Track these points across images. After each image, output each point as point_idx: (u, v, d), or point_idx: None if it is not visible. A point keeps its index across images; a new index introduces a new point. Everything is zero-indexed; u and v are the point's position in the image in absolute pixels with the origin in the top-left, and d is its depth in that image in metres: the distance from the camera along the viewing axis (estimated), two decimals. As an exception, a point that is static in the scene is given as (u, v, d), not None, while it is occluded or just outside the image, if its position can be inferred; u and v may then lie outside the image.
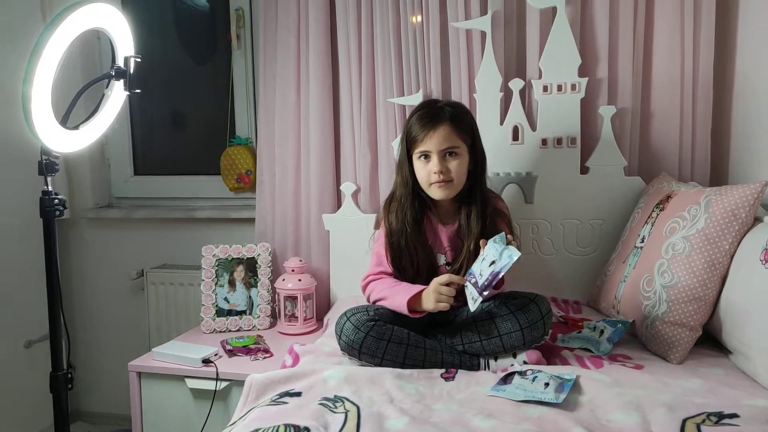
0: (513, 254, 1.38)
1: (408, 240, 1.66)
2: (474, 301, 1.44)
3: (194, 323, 2.35)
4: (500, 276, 1.39)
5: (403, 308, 1.53)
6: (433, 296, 1.49)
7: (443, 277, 1.50)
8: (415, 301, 1.53)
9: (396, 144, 2.12)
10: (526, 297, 1.53)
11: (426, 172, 1.64)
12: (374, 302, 1.64)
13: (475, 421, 1.18)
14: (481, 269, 1.44)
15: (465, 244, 1.66)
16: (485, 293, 1.41)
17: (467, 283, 1.47)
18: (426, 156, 1.64)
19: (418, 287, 1.55)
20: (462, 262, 1.63)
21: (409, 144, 1.67)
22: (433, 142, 1.61)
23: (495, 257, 1.42)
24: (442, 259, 1.72)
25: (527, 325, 1.48)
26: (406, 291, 1.55)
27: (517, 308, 1.50)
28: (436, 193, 1.65)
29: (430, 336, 1.59)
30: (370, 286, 1.69)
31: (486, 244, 1.47)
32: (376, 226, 1.80)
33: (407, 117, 1.74)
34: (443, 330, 1.60)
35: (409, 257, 1.66)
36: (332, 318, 1.92)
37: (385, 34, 2.17)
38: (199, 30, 2.77)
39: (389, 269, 1.68)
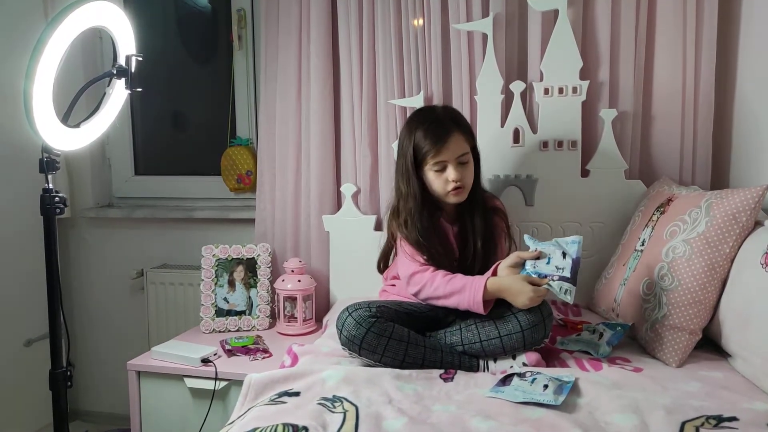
0: (576, 238, 1.47)
1: (433, 243, 1.66)
2: (567, 292, 1.44)
3: (193, 323, 2.35)
4: (579, 259, 1.45)
5: (474, 306, 1.52)
6: (525, 298, 1.47)
7: (510, 258, 1.53)
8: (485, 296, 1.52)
9: (396, 146, 2.13)
10: None
11: (441, 181, 1.66)
12: (426, 299, 1.62)
13: (473, 422, 1.17)
14: (556, 265, 1.46)
15: (471, 242, 1.70)
16: (576, 281, 1.45)
17: (550, 283, 1.46)
18: (442, 168, 1.65)
19: (479, 284, 1.52)
20: (471, 260, 1.67)
21: (419, 157, 1.66)
22: (449, 152, 1.64)
23: (558, 249, 1.47)
24: None
25: (528, 326, 1.48)
26: (470, 289, 1.53)
27: (518, 310, 1.50)
28: (453, 199, 1.68)
29: (430, 336, 1.59)
30: (418, 278, 1.64)
31: (531, 250, 1.51)
32: (390, 229, 1.81)
33: (407, 130, 1.71)
34: (444, 330, 1.60)
35: (442, 254, 1.67)
36: (331, 319, 1.92)
37: (387, 35, 2.17)
38: (201, 30, 2.77)
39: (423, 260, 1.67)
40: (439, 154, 1.63)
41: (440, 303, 1.60)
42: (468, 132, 1.71)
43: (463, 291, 1.54)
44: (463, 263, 1.70)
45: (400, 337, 1.49)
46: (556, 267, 1.46)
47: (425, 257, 1.65)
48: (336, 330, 1.52)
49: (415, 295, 1.65)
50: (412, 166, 1.67)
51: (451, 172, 1.64)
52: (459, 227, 1.75)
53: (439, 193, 1.68)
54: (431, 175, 1.67)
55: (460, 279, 1.58)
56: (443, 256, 1.67)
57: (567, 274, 1.45)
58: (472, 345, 1.52)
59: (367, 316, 1.49)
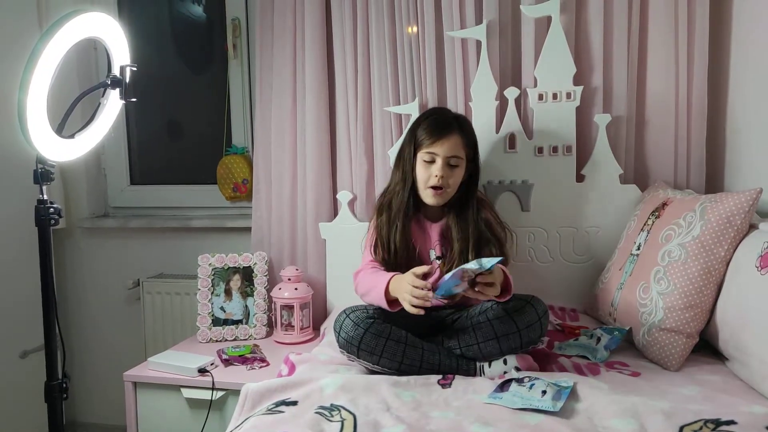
0: (493, 259, 1.40)
1: (394, 232, 1.71)
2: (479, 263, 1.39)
3: (190, 333, 2.34)
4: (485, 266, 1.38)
5: (382, 302, 1.55)
6: (406, 297, 1.47)
7: (417, 271, 1.50)
8: (388, 292, 1.55)
9: (392, 152, 2.13)
10: (522, 299, 1.55)
11: (427, 173, 1.70)
12: (362, 298, 1.67)
13: (472, 429, 1.17)
14: (463, 268, 1.41)
15: (453, 247, 1.71)
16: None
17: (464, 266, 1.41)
18: (431, 159, 1.69)
19: (387, 276, 1.57)
20: (452, 265, 1.66)
21: (416, 145, 1.72)
22: (442, 147, 1.69)
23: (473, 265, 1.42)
24: (432, 254, 1.77)
25: (524, 326, 1.49)
26: (380, 284, 1.57)
27: (513, 310, 1.51)
28: (429, 198, 1.72)
29: (428, 339, 1.59)
30: (357, 279, 1.72)
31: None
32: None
33: (414, 123, 1.79)
34: (441, 333, 1.61)
35: (395, 248, 1.71)
36: (329, 327, 1.92)
37: (381, 43, 2.18)
38: (196, 39, 2.77)
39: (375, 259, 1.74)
40: (432, 146, 1.69)
41: (368, 300, 1.63)
42: (469, 140, 1.74)
43: (374, 288, 1.59)
44: (446, 260, 1.73)
45: (398, 338, 1.49)
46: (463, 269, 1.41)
47: (375, 257, 1.72)
48: (334, 333, 1.53)
49: (358, 294, 1.69)
50: (409, 154, 1.74)
51: (437, 167, 1.68)
52: (445, 225, 1.76)
53: (421, 184, 1.72)
54: (420, 165, 1.72)
55: (374, 276, 1.62)
56: (403, 259, 1.69)
57: (473, 265, 1.39)
58: (469, 347, 1.53)
59: (365, 317, 1.50)
